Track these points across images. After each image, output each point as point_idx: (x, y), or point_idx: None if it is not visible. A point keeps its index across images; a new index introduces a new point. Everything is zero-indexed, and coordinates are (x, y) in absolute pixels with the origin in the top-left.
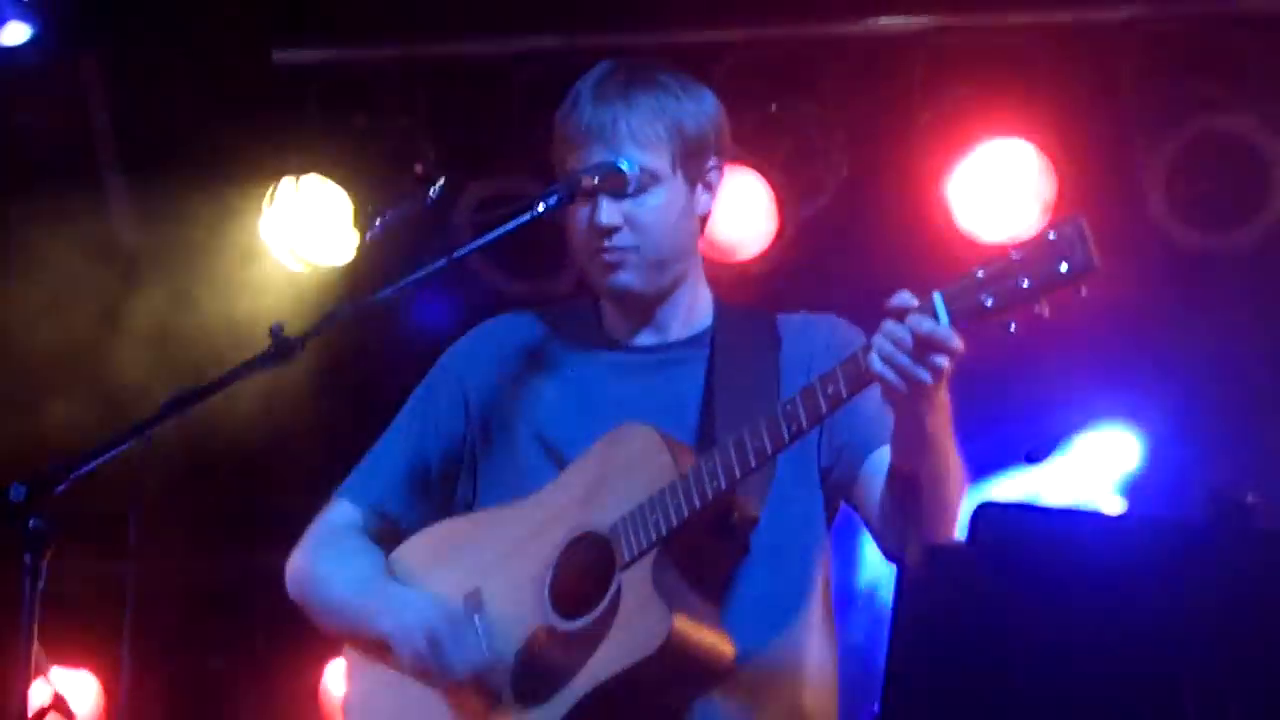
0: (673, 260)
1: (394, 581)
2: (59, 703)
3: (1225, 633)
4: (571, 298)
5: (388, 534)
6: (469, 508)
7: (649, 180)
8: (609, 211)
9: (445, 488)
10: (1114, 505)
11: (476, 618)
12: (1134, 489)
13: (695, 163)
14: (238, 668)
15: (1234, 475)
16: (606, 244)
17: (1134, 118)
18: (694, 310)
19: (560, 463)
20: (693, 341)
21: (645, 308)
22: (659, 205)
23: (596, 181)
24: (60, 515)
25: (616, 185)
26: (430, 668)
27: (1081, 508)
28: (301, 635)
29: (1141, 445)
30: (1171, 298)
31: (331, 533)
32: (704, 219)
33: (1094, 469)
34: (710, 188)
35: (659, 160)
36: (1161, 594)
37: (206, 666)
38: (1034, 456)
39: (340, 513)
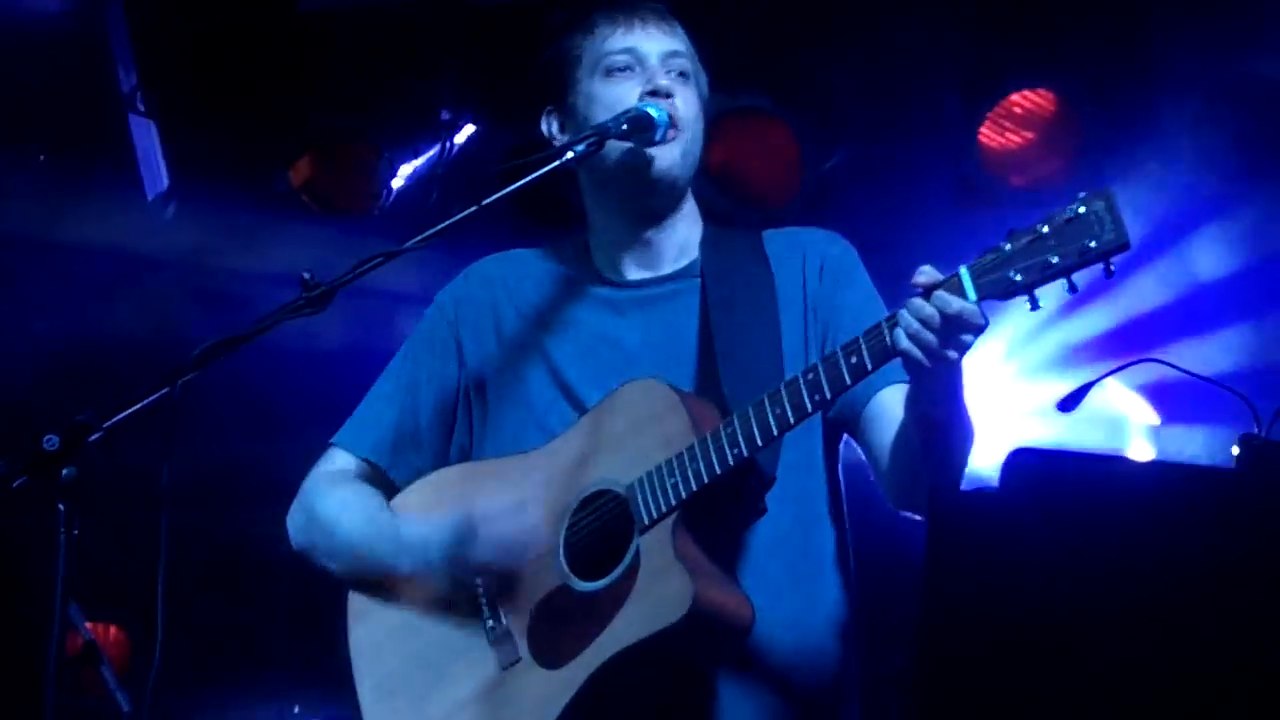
0: (695, 158)
1: (402, 518)
2: (91, 650)
3: (1256, 577)
4: (561, 236)
5: (380, 481)
6: (464, 453)
7: (686, 67)
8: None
9: (439, 433)
10: (1144, 452)
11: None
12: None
13: (702, 85)
14: (266, 619)
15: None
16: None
17: (1160, 64)
18: (687, 240)
19: (558, 408)
20: (683, 273)
21: (650, 227)
22: (692, 95)
23: (626, 128)
24: (94, 465)
25: (646, 131)
26: (466, 583)
27: (1113, 454)
28: (328, 587)
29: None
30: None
31: (329, 480)
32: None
33: (1124, 416)
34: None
35: (688, 56)
36: (1192, 539)
37: (237, 619)
38: (1066, 405)
39: (334, 461)
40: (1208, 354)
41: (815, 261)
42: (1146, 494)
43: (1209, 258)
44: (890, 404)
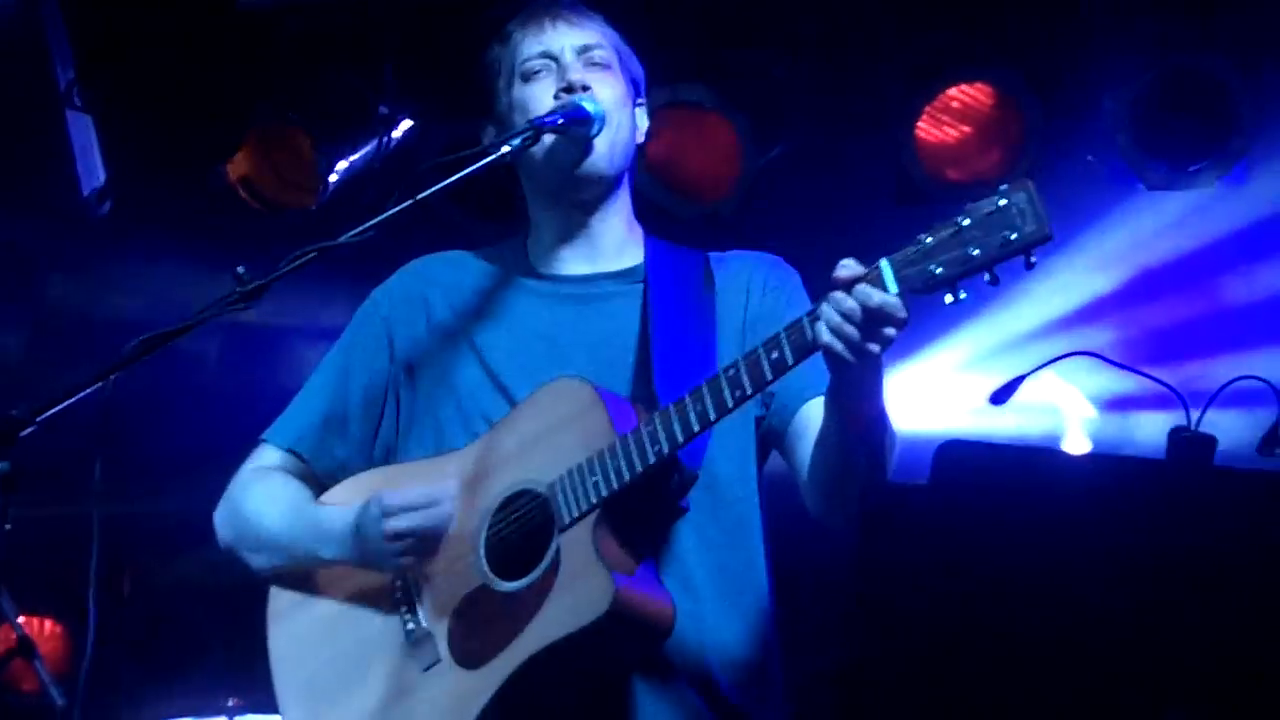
0: (625, 151)
1: (324, 509)
2: (25, 646)
3: (1181, 567)
4: (501, 239)
5: (307, 475)
6: (390, 452)
7: (604, 58)
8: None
9: (366, 425)
10: (1077, 445)
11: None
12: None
13: (632, 71)
14: (203, 611)
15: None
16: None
17: (1101, 58)
18: (627, 240)
19: (489, 409)
20: (625, 275)
21: (585, 219)
22: (615, 83)
23: (560, 122)
24: (26, 459)
25: (582, 125)
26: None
27: (1043, 446)
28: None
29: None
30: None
31: (254, 475)
32: (638, 148)
33: (1056, 408)
34: (642, 115)
35: (606, 46)
36: (1120, 530)
37: (172, 611)
38: (998, 398)
39: (261, 457)
40: (1142, 346)
41: (758, 281)
42: (1076, 485)
43: (1144, 249)
44: (816, 416)
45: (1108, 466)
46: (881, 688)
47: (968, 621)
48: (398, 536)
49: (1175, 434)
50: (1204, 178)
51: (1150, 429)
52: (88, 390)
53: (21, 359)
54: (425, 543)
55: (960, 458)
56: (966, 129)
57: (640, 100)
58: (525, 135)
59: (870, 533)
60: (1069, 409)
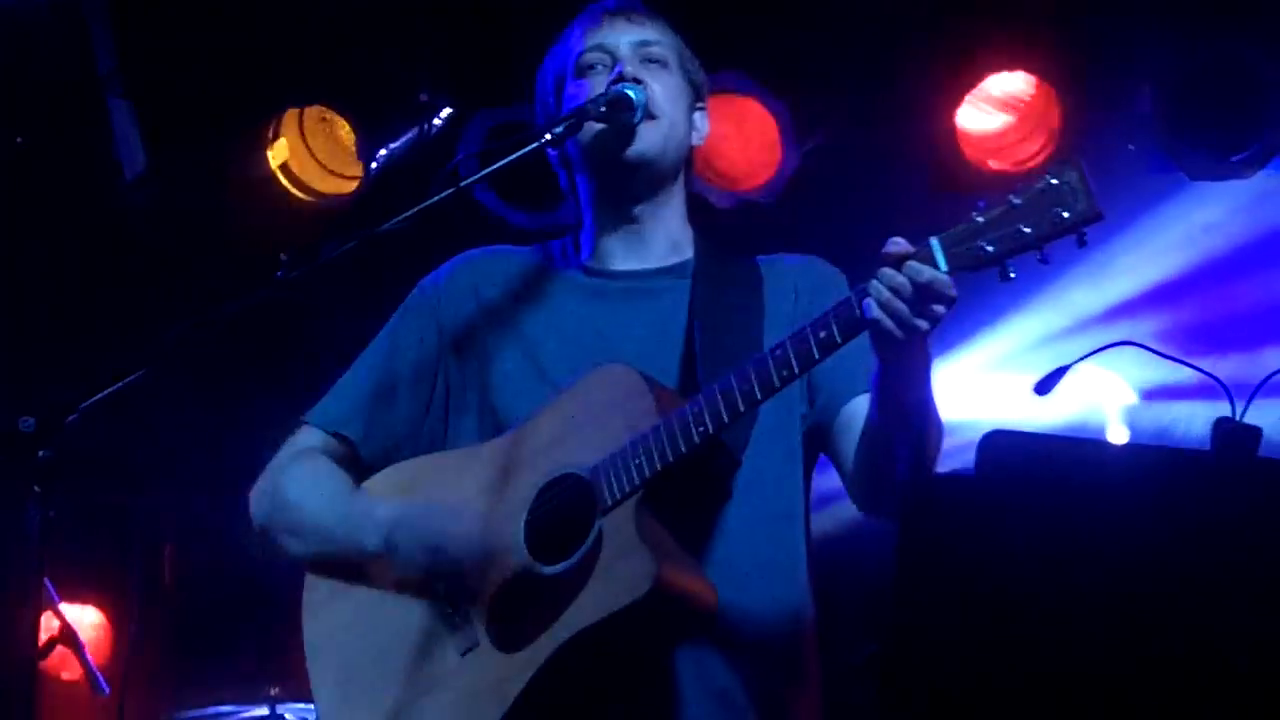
0: (677, 147)
1: (368, 499)
2: (67, 634)
3: (1227, 561)
4: (552, 236)
5: (349, 460)
6: (435, 437)
7: (661, 54)
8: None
9: (412, 412)
10: (1119, 435)
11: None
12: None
13: (692, 74)
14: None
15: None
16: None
17: (1141, 46)
18: (678, 239)
19: (537, 399)
20: (674, 270)
21: (634, 214)
22: (671, 81)
23: (604, 109)
24: (69, 447)
25: (624, 111)
26: (438, 568)
27: (1088, 437)
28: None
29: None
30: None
31: (295, 457)
32: (692, 151)
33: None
34: (701, 120)
35: (665, 45)
36: (1165, 522)
37: (208, 603)
38: (1043, 388)
39: (303, 438)
40: (1186, 336)
41: (806, 283)
42: (1120, 476)
43: (1189, 241)
44: (862, 411)
45: (1152, 457)
46: (921, 680)
47: (1010, 613)
48: (445, 551)
49: (1220, 424)
50: (1245, 169)
51: (1195, 420)
52: (130, 378)
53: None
54: (469, 546)
55: (1005, 448)
56: (1008, 117)
57: (700, 105)
58: (569, 122)
59: (912, 523)
60: (1111, 399)
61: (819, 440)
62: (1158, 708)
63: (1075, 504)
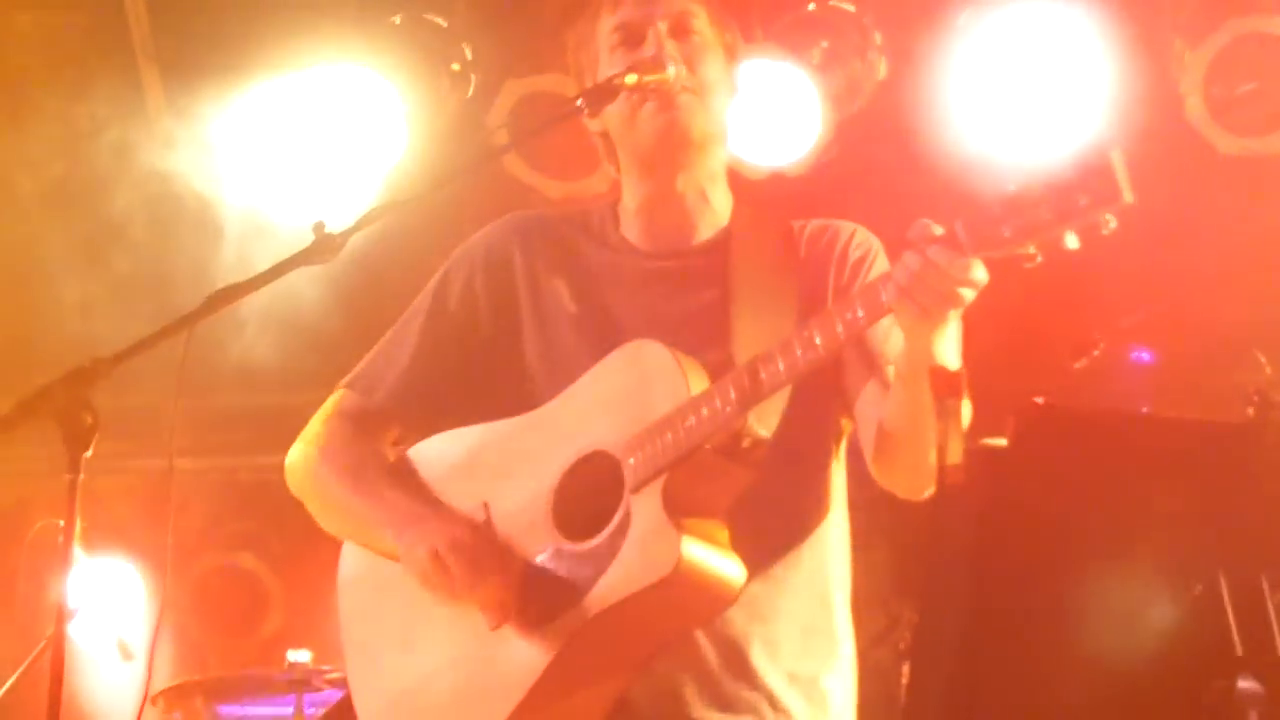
0: (714, 117)
1: (401, 492)
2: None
3: (1266, 530)
4: (590, 203)
5: (388, 428)
6: (471, 407)
7: (694, 21)
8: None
9: (449, 383)
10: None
11: (484, 534)
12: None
13: (726, 35)
14: (269, 565)
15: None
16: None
17: (1172, 21)
18: (715, 210)
19: (572, 372)
20: (711, 248)
21: (670, 185)
22: (705, 48)
23: (639, 80)
24: (102, 409)
25: (658, 85)
26: (437, 585)
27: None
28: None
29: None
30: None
31: (334, 428)
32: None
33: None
34: (736, 77)
35: (697, 14)
36: (1199, 491)
37: (239, 563)
38: (1077, 357)
39: (342, 405)
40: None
41: (842, 252)
42: (1153, 446)
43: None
44: (886, 389)
45: (1186, 427)
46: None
47: (1049, 582)
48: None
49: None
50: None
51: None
52: (164, 340)
53: None
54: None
55: (1039, 419)
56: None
57: (735, 63)
58: (601, 94)
59: (948, 496)
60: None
61: (847, 414)
62: (1180, 687)
63: (1111, 474)
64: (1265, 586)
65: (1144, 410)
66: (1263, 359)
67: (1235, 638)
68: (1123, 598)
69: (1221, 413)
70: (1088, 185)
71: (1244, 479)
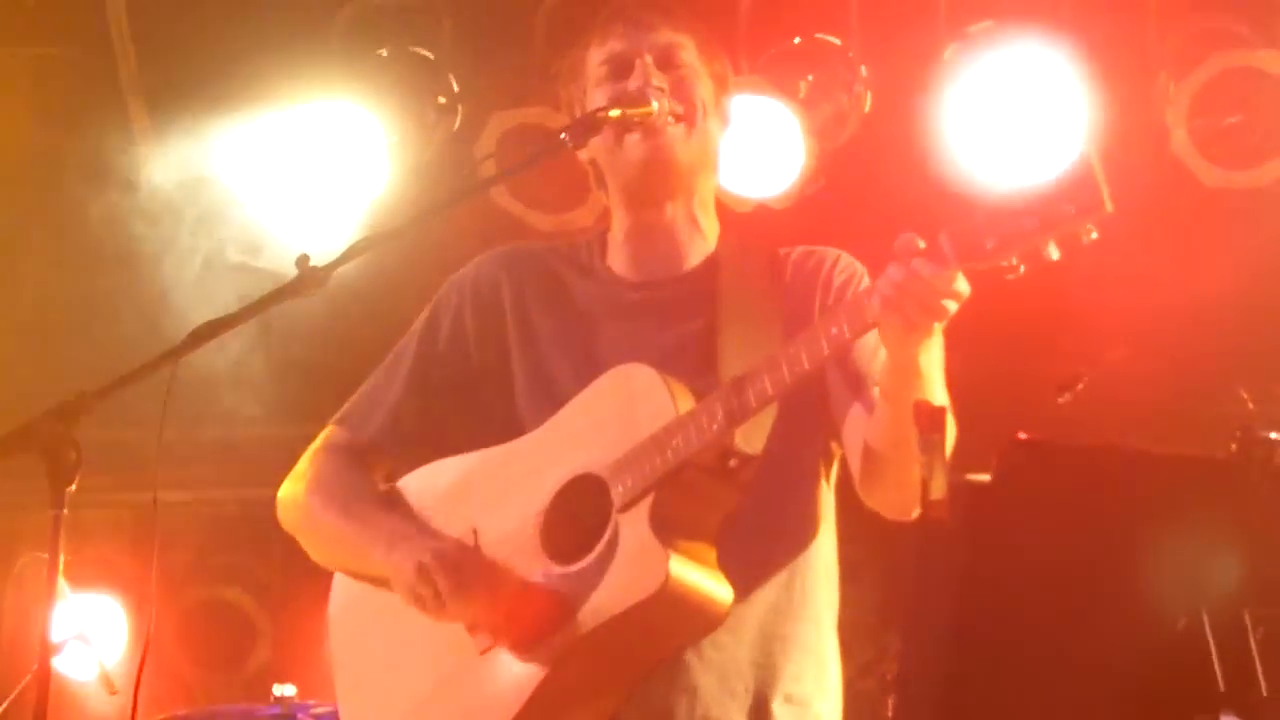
0: (701, 148)
1: (390, 515)
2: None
3: (1249, 564)
4: (578, 235)
5: (380, 463)
6: (461, 438)
7: (683, 54)
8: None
9: (439, 415)
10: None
11: (472, 555)
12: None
13: (715, 66)
14: (255, 599)
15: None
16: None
17: (1158, 54)
18: (702, 239)
19: (560, 401)
20: (698, 275)
21: (658, 216)
22: (693, 82)
23: (623, 113)
24: (86, 443)
25: (642, 116)
26: (427, 608)
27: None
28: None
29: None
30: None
31: (323, 462)
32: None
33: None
34: (727, 108)
35: (685, 42)
36: (1187, 528)
37: (224, 597)
38: (1061, 391)
39: (332, 441)
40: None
41: (826, 278)
42: (1141, 482)
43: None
44: (871, 407)
45: (1175, 463)
46: (938, 680)
47: (1032, 616)
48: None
49: (1243, 432)
50: (1263, 176)
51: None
52: (147, 375)
53: None
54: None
55: (1025, 454)
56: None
57: (725, 94)
58: (585, 127)
59: (931, 532)
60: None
61: (835, 436)
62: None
63: (1097, 510)
64: (1248, 621)
65: (1127, 445)
66: (1245, 395)
67: (1218, 673)
68: (1106, 632)
69: (1204, 446)
70: (1072, 193)
71: (1227, 514)
